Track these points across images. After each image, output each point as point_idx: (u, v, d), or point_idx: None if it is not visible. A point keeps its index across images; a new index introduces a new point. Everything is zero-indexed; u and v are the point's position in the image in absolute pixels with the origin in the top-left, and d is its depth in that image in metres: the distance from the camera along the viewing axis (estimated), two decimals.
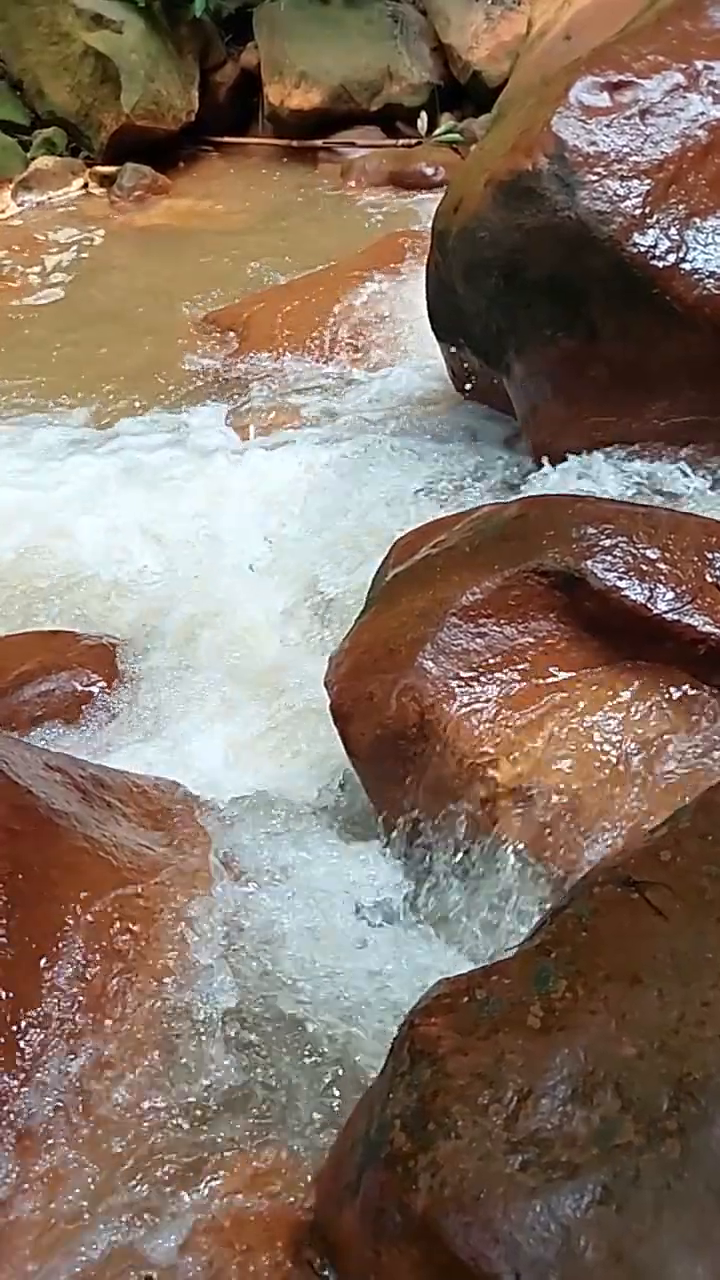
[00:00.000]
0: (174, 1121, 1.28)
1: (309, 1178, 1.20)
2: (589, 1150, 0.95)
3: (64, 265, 5.48)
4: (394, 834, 1.66)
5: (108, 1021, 1.35)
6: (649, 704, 1.56)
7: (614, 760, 1.52)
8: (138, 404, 3.71)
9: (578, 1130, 0.97)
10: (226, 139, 7.01)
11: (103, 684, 2.25)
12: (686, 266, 2.18)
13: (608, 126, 2.24)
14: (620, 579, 1.57)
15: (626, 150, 2.23)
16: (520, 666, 1.58)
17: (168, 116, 6.56)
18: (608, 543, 1.60)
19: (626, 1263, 0.89)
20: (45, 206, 6.31)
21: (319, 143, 6.80)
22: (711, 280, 2.16)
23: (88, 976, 1.37)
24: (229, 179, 6.64)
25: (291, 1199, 1.19)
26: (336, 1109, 1.28)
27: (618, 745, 1.52)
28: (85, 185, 6.48)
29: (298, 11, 6.81)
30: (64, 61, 6.52)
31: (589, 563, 1.59)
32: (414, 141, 6.69)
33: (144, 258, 5.48)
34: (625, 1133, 0.95)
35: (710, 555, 1.60)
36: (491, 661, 1.58)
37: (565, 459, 2.36)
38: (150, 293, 4.89)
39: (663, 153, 2.24)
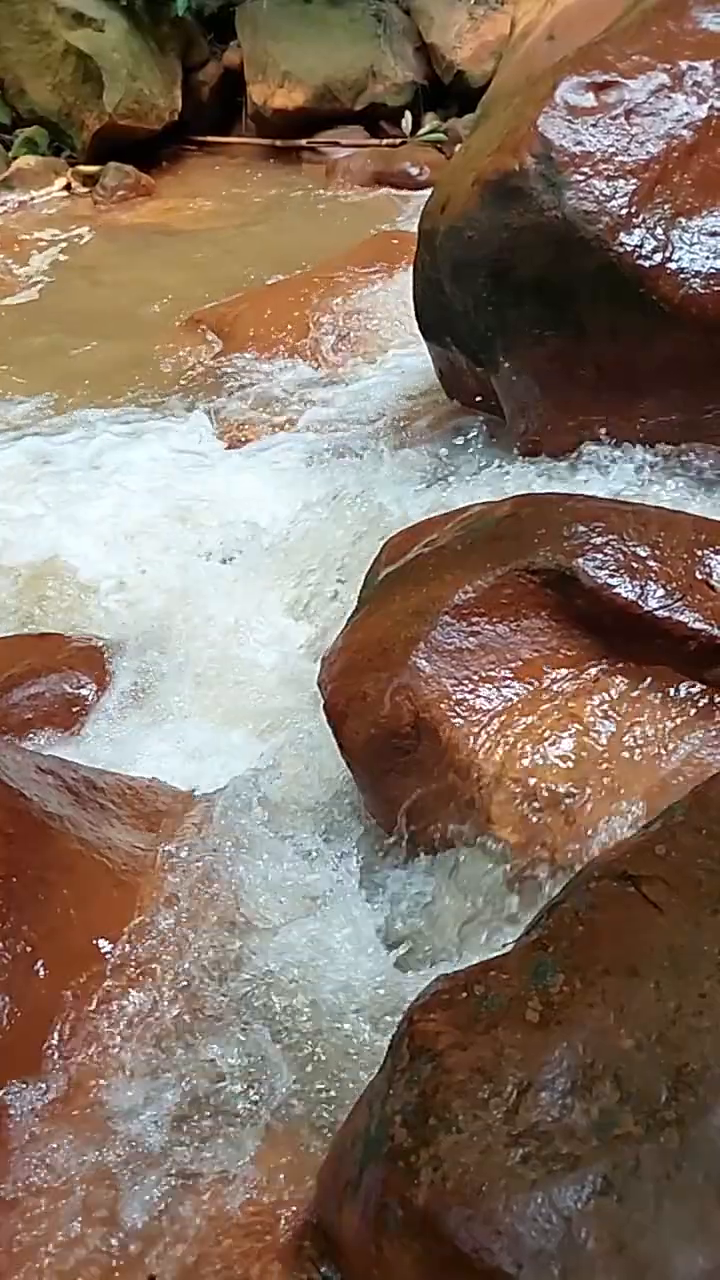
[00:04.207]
0: (172, 1120, 1.28)
1: (309, 1175, 1.20)
2: (589, 1142, 0.96)
3: (46, 265, 5.46)
4: (388, 832, 1.67)
5: (104, 1022, 1.35)
6: (640, 700, 1.57)
7: (607, 756, 1.53)
8: (122, 405, 3.69)
9: (577, 1122, 0.97)
10: (210, 139, 7.00)
11: (93, 686, 2.24)
12: (672, 266, 2.19)
13: (593, 126, 2.26)
14: (611, 577, 1.58)
15: (612, 150, 2.24)
16: (513, 664, 1.59)
17: (150, 116, 6.55)
18: (598, 541, 1.61)
19: (628, 1253, 0.90)
20: (27, 206, 6.28)
21: (303, 142, 6.81)
22: (697, 279, 2.18)
23: (84, 978, 1.37)
24: (213, 179, 6.63)
25: (292, 1196, 1.19)
26: (335, 1106, 1.28)
27: (610, 741, 1.54)
28: (68, 185, 6.46)
29: (280, 10, 6.81)
30: (45, 60, 6.49)
31: (580, 561, 1.60)
32: (398, 141, 6.70)
33: (127, 258, 5.46)
34: (625, 1124, 0.96)
35: (700, 552, 1.61)
36: (485, 660, 1.59)
37: (555, 458, 2.37)
38: (134, 293, 4.88)
39: (648, 153, 2.25)
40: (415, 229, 2.81)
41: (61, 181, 6.47)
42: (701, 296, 2.18)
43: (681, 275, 2.18)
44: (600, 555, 1.60)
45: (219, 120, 7.08)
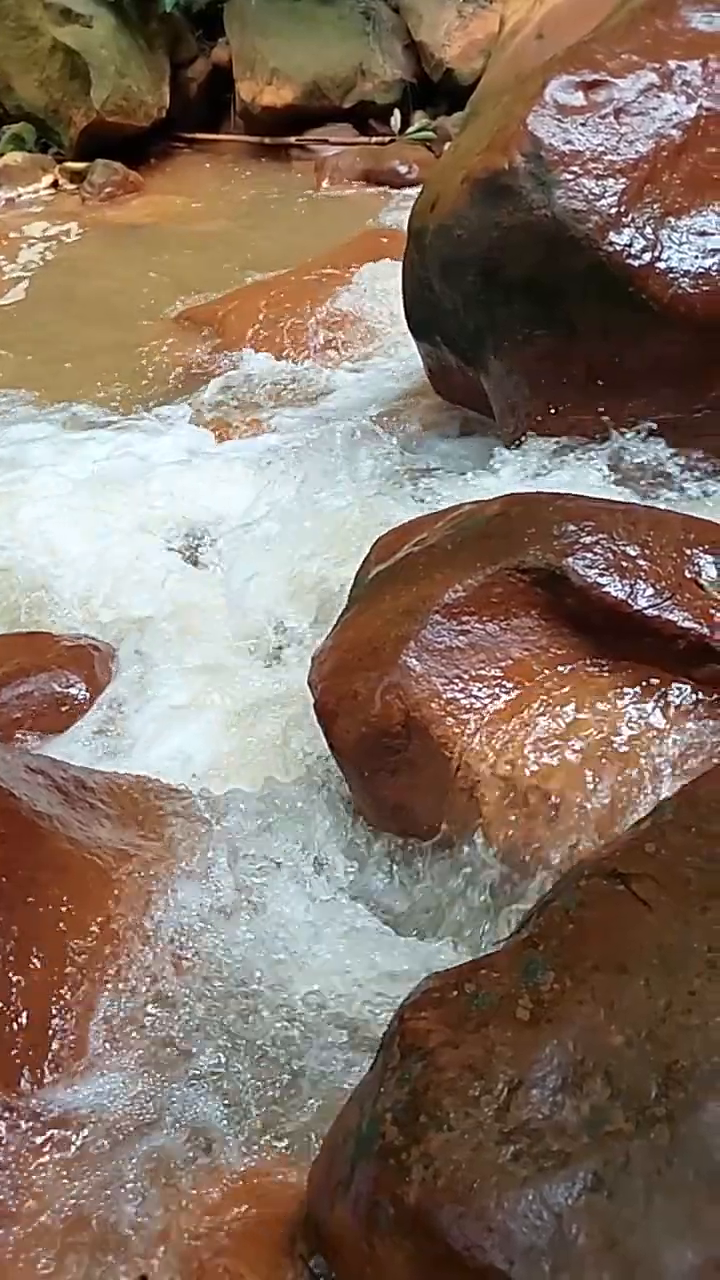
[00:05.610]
0: (163, 1118, 1.28)
1: (300, 1173, 1.20)
2: (580, 1139, 0.96)
3: (34, 263, 5.43)
4: (377, 830, 1.67)
5: (96, 1021, 1.35)
6: (630, 699, 1.57)
7: (596, 755, 1.53)
8: (112, 403, 3.69)
9: (568, 1119, 0.98)
10: (198, 136, 6.98)
11: (83, 685, 2.24)
12: (661, 265, 2.20)
13: (583, 125, 2.26)
14: (601, 575, 1.59)
15: (602, 149, 2.25)
16: (503, 663, 1.59)
17: (138, 113, 6.53)
18: (588, 540, 1.62)
19: (619, 1249, 0.90)
20: (14, 203, 6.25)
21: (291, 140, 6.80)
22: (686, 279, 2.19)
23: (76, 977, 1.37)
24: (201, 176, 6.61)
25: (283, 1195, 1.19)
26: (327, 1104, 1.28)
27: (600, 740, 1.54)
28: (55, 182, 6.43)
29: (269, 7, 6.80)
30: (33, 56, 6.47)
31: (570, 560, 1.60)
32: (387, 139, 6.70)
33: (116, 255, 5.45)
34: (615, 1121, 0.96)
35: (689, 551, 1.62)
36: (475, 659, 1.59)
37: (544, 457, 2.37)
38: (123, 291, 4.86)
39: (637, 152, 2.26)
40: (404, 227, 2.81)
41: (49, 178, 6.44)
42: (690, 296, 2.19)
43: (671, 274, 2.19)
44: (590, 554, 1.60)
45: (207, 117, 7.06)
